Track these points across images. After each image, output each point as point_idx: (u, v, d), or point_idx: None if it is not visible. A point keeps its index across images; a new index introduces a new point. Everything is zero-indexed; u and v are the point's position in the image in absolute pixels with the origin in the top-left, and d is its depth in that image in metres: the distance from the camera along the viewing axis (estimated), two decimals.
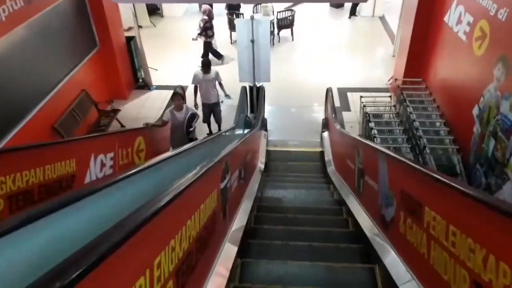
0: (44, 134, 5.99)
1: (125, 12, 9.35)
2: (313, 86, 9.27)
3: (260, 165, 6.20)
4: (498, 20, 4.57)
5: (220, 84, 7.16)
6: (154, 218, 1.36)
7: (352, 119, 8.05)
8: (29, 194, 3.05)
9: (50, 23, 6.26)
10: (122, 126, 7.73)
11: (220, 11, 13.01)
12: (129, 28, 9.93)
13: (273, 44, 11.24)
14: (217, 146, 4.27)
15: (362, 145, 4.03)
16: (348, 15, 13.21)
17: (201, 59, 10.09)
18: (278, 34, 11.58)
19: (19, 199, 2.93)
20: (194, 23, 10.26)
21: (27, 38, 5.70)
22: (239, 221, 3.55)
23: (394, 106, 7.18)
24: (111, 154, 4.40)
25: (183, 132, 5.86)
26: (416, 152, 5.95)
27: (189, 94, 7.27)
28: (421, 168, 2.27)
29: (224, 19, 11.74)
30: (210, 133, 7.57)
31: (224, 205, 2.91)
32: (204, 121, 7.40)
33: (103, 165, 4.22)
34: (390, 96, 7.65)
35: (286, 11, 11.45)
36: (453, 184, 1.83)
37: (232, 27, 11.01)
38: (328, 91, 7.76)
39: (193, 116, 5.91)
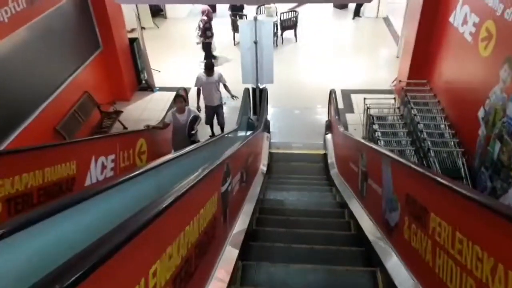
0: (46, 136, 5.98)
1: (128, 13, 9.34)
2: (316, 87, 9.22)
3: (263, 167, 6.16)
4: (504, 20, 4.50)
5: (225, 86, 7.10)
6: (149, 225, 1.32)
7: (355, 121, 7.98)
8: (28, 197, 3.01)
9: (52, 24, 6.26)
10: (124, 127, 7.72)
11: (223, 12, 13.01)
12: (132, 30, 9.93)
13: (277, 45, 11.20)
14: (219, 148, 4.23)
15: (366, 148, 3.97)
16: (352, 16, 13.16)
17: (204, 61, 10.17)
18: (281, 35, 11.54)
19: (17, 203, 2.90)
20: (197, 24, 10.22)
21: (30, 40, 5.69)
22: (241, 224, 3.50)
23: (398, 108, 7.11)
24: (112, 156, 4.37)
25: (185, 134, 5.83)
26: (420, 155, 5.89)
27: (192, 96, 7.23)
28: (427, 172, 2.21)
29: (227, 20, 11.71)
30: (213, 135, 7.53)
31: (225, 209, 2.86)
32: (206, 123, 7.36)
33: (104, 167, 4.19)
34: (394, 98, 7.58)
35: (290, 12, 11.40)
36: (460, 189, 1.77)
37: (235, 28, 10.98)
38: (332, 92, 7.71)
39: (195, 119, 5.87)
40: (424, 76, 7.14)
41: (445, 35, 6.45)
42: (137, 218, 1.32)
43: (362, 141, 4.41)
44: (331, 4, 14.03)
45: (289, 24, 11.46)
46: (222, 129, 7.53)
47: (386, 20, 12.72)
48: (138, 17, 8.89)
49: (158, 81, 9.41)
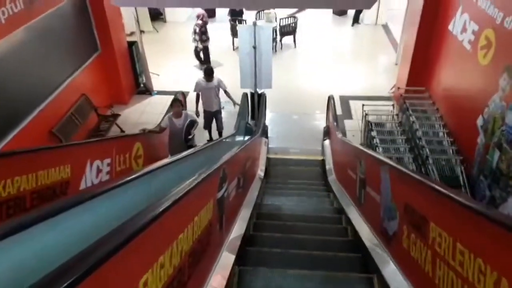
0: (42, 139, 5.92)
1: (128, 17, 9.33)
2: (315, 93, 9.20)
3: (260, 172, 6.11)
4: (504, 29, 4.49)
5: (226, 92, 7.03)
6: (140, 234, 1.27)
7: (354, 127, 7.96)
8: (20, 201, 2.96)
9: (50, 26, 6.22)
10: (122, 131, 7.66)
11: (222, 17, 13.02)
12: (132, 33, 9.90)
13: (276, 51, 11.19)
14: (216, 153, 4.18)
15: (364, 155, 3.94)
16: (351, 22, 13.18)
17: (202, 67, 10.19)
18: (280, 41, 11.54)
19: (9, 206, 2.84)
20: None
21: (27, 41, 5.65)
22: (238, 229, 3.46)
23: (397, 115, 7.09)
24: (108, 160, 4.31)
25: (181, 139, 5.77)
26: (418, 162, 5.85)
27: (191, 100, 7.19)
28: (426, 181, 2.17)
29: (227, 25, 11.71)
30: (211, 140, 7.49)
31: (221, 215, 2.81)
32: (205, 128, 7.32)
33: (99, 171, 4.13)
34: (392, 105, 7.56)
35: (289, 18, 11.42)
36: (461, 200, 1.73)
37: (234, 33, 10.98)
38: (330, 98, 7.69)
39: (192, 123, 5.81)
40: (423, 83, 7.14)
41: (444, 43, 6.45)
42: (127, 227, 1.27)
43: (361, 147, 4.38)
44: (331, 11, 14.06)
45: (288, 30, 11.47)
46: (220, 134, 7.50)
47: (385, 27, 12.75)
48: (137, 21, 8.86)
49: (157, 85, 9.37)
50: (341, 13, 13.88)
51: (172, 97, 6.78)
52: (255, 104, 7.94)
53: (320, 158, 7.28)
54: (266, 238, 3.80)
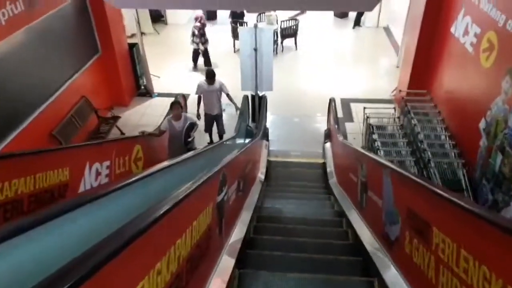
0: (41, 141, 5.89)
1: (128, 19, 9.33)
2: (316, 96, 9.18)
3: (261, 175, 6.07)
4: (507, 31, 4.46)
5: (228, 95, 6.98)
6: (136, 240, 1.23)
7: (355, 130, 7.92)
8: (18, 204, 2.92)
9: (51, 28, 6.20)
10: (122, 133, 7.64)
11: (224, 19, 13.02)
12: (132, 35, 9.90)
13: (277, 53, 11.18)
14: (216, 156, 4.15)
15: (366, 158, 3.90)
16: (352, 25, 13.16)
17: (196, 69, 10.24)
18: (281, 43, 11.52)
19: (6, 210, 2.81)
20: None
21: (27, 43, 5.63)
22: (238, 232, 3.43)
23: (398, 118, 7.05)
24: (107, 163, 4.28)
25: (181, 142, 5.72)
26: (420, 166, 5.81)
27: (192, 103, 7.16)
28: (429, 186, 2.13)
29: (228, 27, 11.71)
30: (211, 142, 7.45)
31: (221, 219, 2.77)
32: (206, 131, 7.28)
33: (98, 173, 4.10)
34: (394, 108, 7.53)
35: (290, 21, 11.40)
36: (465, 205, 1.69)
37: (235, 35, 10.96)
38: (331, 101, 7.65)
39: (192, 126, 5.76)
40: (425, 86, 7.10)
41: (445, 46, 6.42)
42: (123, 232, 1.23)
43: (362, 150, 4.34)
44: (332, 13, 14.06)
45: (290, 32, 11.46)
46: (221, 137, 7.45)
47: (387, 29, 12.74)
48: (138, 22, 8.85)
49: (157, 87, 9.35)
50: (342, 15, 13.88)
51: (172, 99, 6.76)
52: (256, 107, 7.91)
53: (321, 161, 7.25)
54: (267, 241, 3.78)
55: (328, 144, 7.28)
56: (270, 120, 8.45)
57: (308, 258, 3.33)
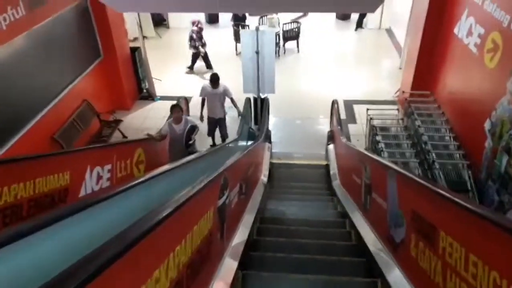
0: (43, 145, 5.88)
1: (131, 22, 9.34)
2: (318, 98, 9.13)
3: (263, 178, 6.03)
4: (511, 32, 4.40)
5: (232, 100, 6.94)
6: (134, 247, 1.19)
7: (358, 132, 7.86)
8: (18, 209, 2.89)
9: (52, 32, 6.20)
10: (124, 136, 7.62)
11: (226, 22, 13.02)
12: (135, 39, 9.90)
13: (279, 55, 11.15)
14: (217, 159, 4.11)
15: (369, 160, 3.85)
16: (354, 27, 13.12)
17: (192, 71, 10.26)
18: (284, 45, 11.50)
19: (6, 215, 2.78)
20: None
21: (29, 47, 5.63)
22: (241, 235, 3.39)
23: (402, 119, 6.99)
24: (108, 166, 4.25)
25: (182, 145, 5.67)
26: (424, 167, 5.75)
27: (195, 105, 7.11)
28: (436, 188, 2.08)
29: (230, 30, 11.70)
30: (214, 145, 7.42)
31: (223, 223, 2.73)
32: (208, 135, 7.24)
33: (99, 177, 4.07)
34: (397, 109, 7.47)
35: (292, 23, 11.38)
36: (474, 208, 1.64)
37: (237, 38, 10.95)
38: (334, 103, 7.61)
39: (193, 129, 5.70)
40: (428, 87, 7.04)
41: (449, 46, 6.36)
42: (120, 239, 1.19)
43: (366, 152, 4.29)
44: (334, 16, 14.02)
45: (292, 34, 11.43)
46: (224, 141, 7.41)
47: (389, 31, 12.69)
48: (140, 27, 8.85)
49: (159, 90, 9.35)
50: (344, 17, 13.84)
51: (175, 102, 6.73)
52: (258, 109, 7.87)
53: (324, 163, 7.20)
54: (270, 242, 3.77)
55: (331, 146, 7.23)
56: (273, 122, 8.41)
57: (311, 259, 3.32)
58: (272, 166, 6.94)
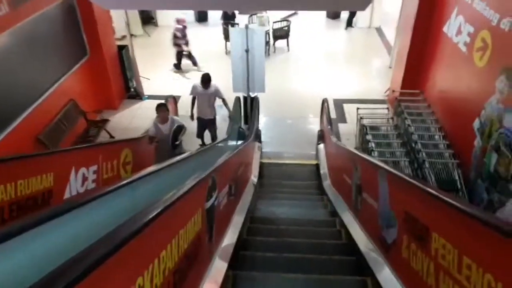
0: (27, 146, 5.72)
1: (118, 20, 9.18)
2: (308, 97, 9.10)
3: (253, 178, 5.97)
4: (501, 30, 4.41)
5: (224, 100, 6.83)
6: (115, 254, 1.12)
7: (348, 131, 7.85)
8: None
9: (37, 30, 6.05)
10: (111, 136, 7.48)
11: (215, 21, 12.92)
12: (123, 37, 9.74)
13: (269, 54, 11.11)
14: (206, 159, 4.04)
15: (360, 160, 3.82)
16: (344, 26, 13.14)
17: (180, 70, 10.19)
18: (274, 44, 11.45)
19: None
20: (189, 32, 10.10)
21: (12, 45, 5.48)
22: (231, 236, 3.33)
23: (392, 118, 6.99)
24: (94, 167, 4.15)
25: (168, 145, 5.54)
26: (414, 166, 5.75)
27: (183, 105, 7.00)
28: (428, 189, 2.04)
29: (219, 29, 11.61)
30: (203, 145, 7.32)
31: (211, 225, 2.66)
32: (197, 136, 7.11)
33: (85, 179, 3.96)
34: (387, 108, 7.47)
35: (282, 22, 11.34)
36: (468, 209, 1.60)
37: (227, 37, 10.87)
38: (324, 102, 7.59)
39: (180, 129, 5.57)
40: (418, 86, 7.06)
41: (438, 45, 6.38)
42: (101, 246, 1.12)
43: (356, 152, 4.26)
44: (324, 14, 14.03)
45: (282, 33, 11.39)
46: (213, 141, 7.31)
47: (379, 30, 12.73)
48: (128, 25, 8.71)
49: (148, 89, 9.22)
50: (334, 16, 13.84)
51: (163, 101, 6.62)
52: (248, 108, 7.80)
53: (314, 162, 7.17)
54: (260, 242, 3.74)
55: (321, 145, 7.21)
56: (263, 121, 8.36)
57: (302, 258, 3.30)
58: (262, 166, 6.88)
